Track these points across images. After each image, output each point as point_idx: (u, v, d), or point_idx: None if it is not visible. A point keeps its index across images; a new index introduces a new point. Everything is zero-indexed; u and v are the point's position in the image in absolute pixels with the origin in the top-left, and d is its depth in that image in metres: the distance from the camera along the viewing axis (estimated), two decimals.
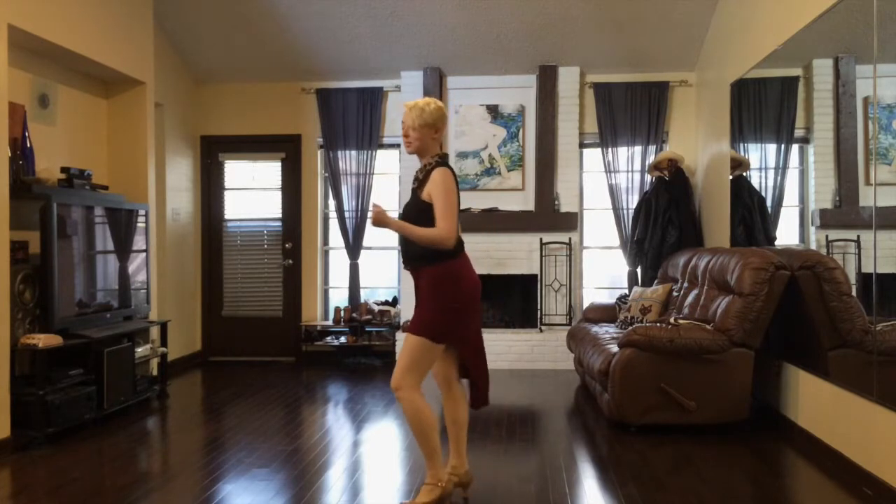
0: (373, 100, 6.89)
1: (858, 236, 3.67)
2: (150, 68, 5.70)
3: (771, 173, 4.86)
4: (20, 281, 4.33)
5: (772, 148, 4.95)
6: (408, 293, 6.80)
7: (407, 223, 3.10)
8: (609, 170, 6.72)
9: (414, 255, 3.17)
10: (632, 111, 6.66)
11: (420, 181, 3.17)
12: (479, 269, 6.67)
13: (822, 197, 4.15)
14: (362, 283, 7.08)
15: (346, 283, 7.02)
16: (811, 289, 4.00)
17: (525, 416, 4.83)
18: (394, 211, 6.98)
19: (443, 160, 3.18)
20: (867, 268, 3.48)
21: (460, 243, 3.24)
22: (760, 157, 5.16)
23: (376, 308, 6.94)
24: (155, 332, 5.56)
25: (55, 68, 5.02)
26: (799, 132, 4.55)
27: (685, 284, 5.32)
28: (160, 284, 6.07)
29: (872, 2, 3.37)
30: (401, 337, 6.62)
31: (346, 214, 6.91)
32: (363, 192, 6.92)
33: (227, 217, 7.22)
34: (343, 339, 6.83)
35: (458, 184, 3.17)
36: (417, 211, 3.12)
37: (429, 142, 3.17)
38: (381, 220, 3.06)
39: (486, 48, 6.50)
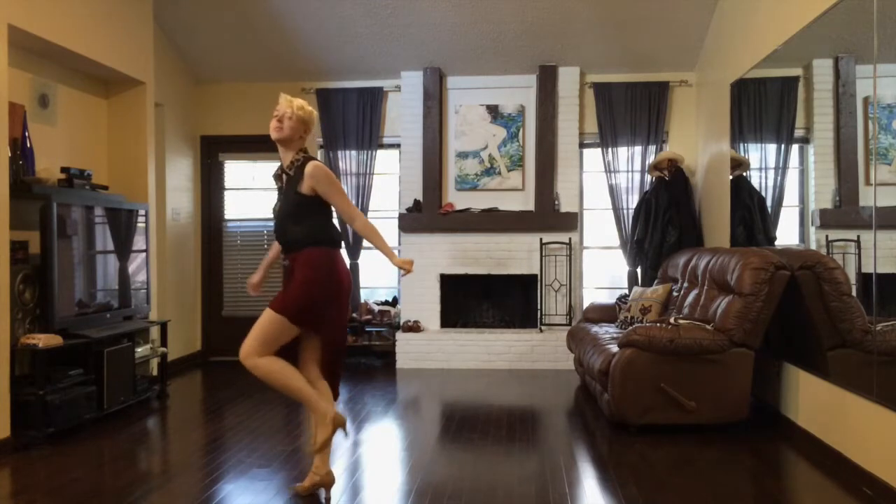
0: (373, 100, 6.89)
1: (858, 236, 3.67)
2: (150, 68, 5.70)
3: (771, 173, 4.86)
4: (20, 281, 4.33)
5: (772, 148, 4.95)
6: (408, 293, 6.80)
7: (383, 249, 3.35)
8: (609, 170, 6.72)
9: (293, 240, 3.26)
10: (632, 111, 6.67)
11: (292, 177, 3.25)
12: (479, 269, 6.76)
13: (822, 197, 4.15)
14: (362, 283, 7.08)
15: None
16: (811, 289, 4.00)
17: (525, 416, 4.83)
18: (388, 211, 7.01)
19: (309, 155, 3.30)
20: (867, 268, 3.48)
21: (340, 237, 3.37)
22: (760, 157, 5.16)
23: (376, 308, 6.95)
24: (155, 332, 5.56)
25: (55, 68, 5.02)
26: (799, 132, 4.55)
27: (685, 284, 5.32)
28: (160, 284, 6.07)
29: (872, 2, 3.37)
30: (401, 337, 6.63)
31: None
32: (363, 192, 6.92)
33: (227, 217, 7.22)
34: None
35: None
36: (294, 206, 3.23)
37: (296, 137, 3.28)
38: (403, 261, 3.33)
39: (486, 48, 6.50)
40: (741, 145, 5.51)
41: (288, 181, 3.27)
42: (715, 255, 4.87)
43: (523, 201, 6.83)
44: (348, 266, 7.01)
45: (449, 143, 6.92)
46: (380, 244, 3.34)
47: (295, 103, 3.27)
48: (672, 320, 4.42)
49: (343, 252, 3.46)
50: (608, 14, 6.05)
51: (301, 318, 3.21)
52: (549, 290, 6.72)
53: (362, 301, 7.01)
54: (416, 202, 6.81)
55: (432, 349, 6.59)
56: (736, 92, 5.46)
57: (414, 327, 6.70)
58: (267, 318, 3.20)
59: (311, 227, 3.23)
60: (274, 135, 3.26)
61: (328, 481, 3.36)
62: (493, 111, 6.86)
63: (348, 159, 6.93)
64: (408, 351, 6.61)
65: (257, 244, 7.17)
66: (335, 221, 3.37)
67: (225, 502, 3.28)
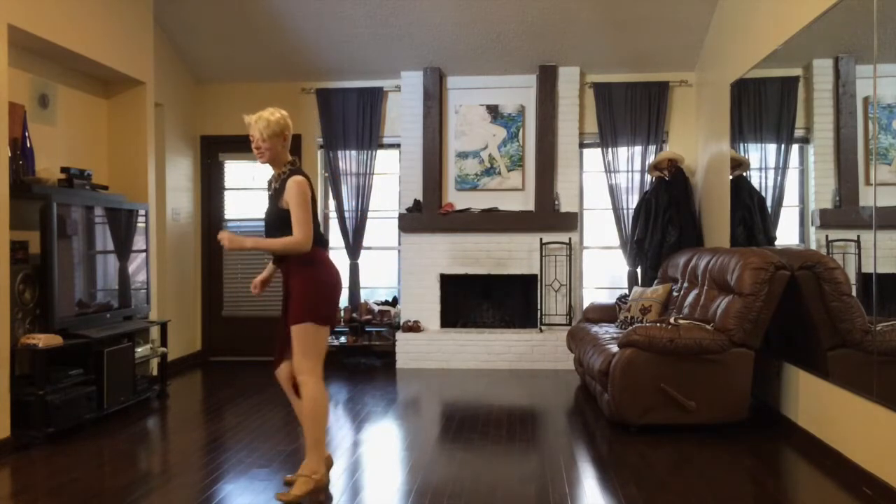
0: (373, 100, 6.89)
1: (858, 236, 3.67)
2: (150, 68, 5.70)
3: (771, 173, 4.86)
4: (20, 281, 4.33)
5: (772, 148, 4.95)
6: (408, 293, 6.81)
7: (262, 239, 3.31)
8: (609, 170, 6.72)
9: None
10: (632, 111, 6.66)
11: (277, 190, 3.32)
12: (479, 269, 6.76)
13: (822, 197, 4.15)
14: (362, 283, 7.08)
15: (346, 284, 7.02)
16: (811, 289, 4.00)
17: (525, 416, 4.83)
18: (388, 211, 7.01)
19: (296, 168, 3.35)
20: (867, 268, 3.48)
21: (326, 242, 3.44)
22: (760, 157, 5.16)
23: (376, 308, 6.94)
24: (155, 332, 5.56)
25: (55, 68, 5.02)
26: (799, 132, 4.55)
27: (685, 284, 5.32)
28: (160, 284, 6.07)
29: (872, 2, 3.37)
30: (401, 337, 6.63)
31: (346, 214, 6.91)
32: (363, 192, 6.92)
33: (227, 217, 7.22)
34: (343, 339, 6.83)
35: (312, 188, 3.34)
36: (277, 218, 3.29)
37: (279, 150, 3.33)
38: (236, 244, 3.22)
39: (486, 48, 6.50)
40: (741, 145, 5.51)
41: (275, 192, 3.34)
42: (715, 255, 4.87)
43: (523, 201, 6.83)
44: (348, 266, 7.04)
45: (449, 143, 6.92)
46: (265, 243, 3.29)
47: (260, 124, 3.29)
48: (672, 320, 4.42)
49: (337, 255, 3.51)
50: (608, 14, 6.05)
51: (321, 314, 3.26)
52: (549, 290, 6.72)
53: (362, 301, 7.01)
54: (416, 202, 6.81)
55: (432, 349, 6.59)
56: (736, 92, 5.46)
57: (414, 327, 6.70)
58: (297, 333, 3.24)
59: None
60: (260, 161, 3.35)
61: (328, 464, 3.48)
62: (493, 111, 6.86)
63: (348, 159, 6.92)
64: (408, 351, 6.61)
65: None
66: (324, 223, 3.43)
67: (225, 502, 3.28)
